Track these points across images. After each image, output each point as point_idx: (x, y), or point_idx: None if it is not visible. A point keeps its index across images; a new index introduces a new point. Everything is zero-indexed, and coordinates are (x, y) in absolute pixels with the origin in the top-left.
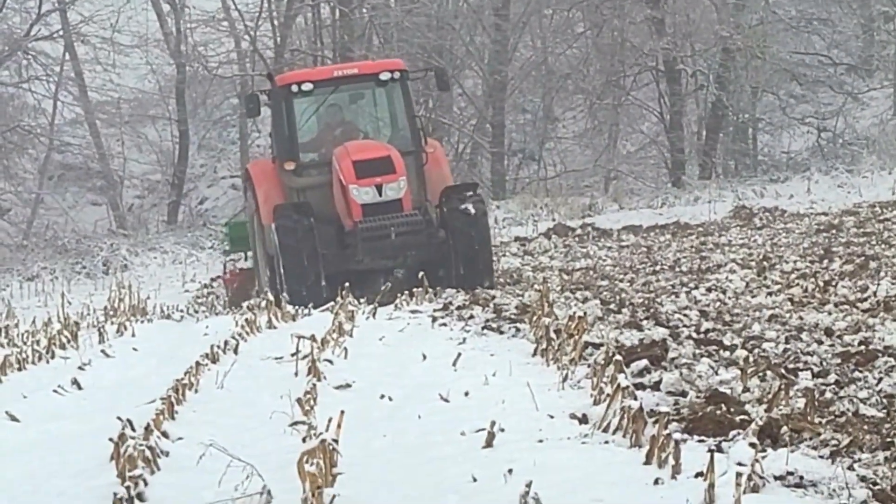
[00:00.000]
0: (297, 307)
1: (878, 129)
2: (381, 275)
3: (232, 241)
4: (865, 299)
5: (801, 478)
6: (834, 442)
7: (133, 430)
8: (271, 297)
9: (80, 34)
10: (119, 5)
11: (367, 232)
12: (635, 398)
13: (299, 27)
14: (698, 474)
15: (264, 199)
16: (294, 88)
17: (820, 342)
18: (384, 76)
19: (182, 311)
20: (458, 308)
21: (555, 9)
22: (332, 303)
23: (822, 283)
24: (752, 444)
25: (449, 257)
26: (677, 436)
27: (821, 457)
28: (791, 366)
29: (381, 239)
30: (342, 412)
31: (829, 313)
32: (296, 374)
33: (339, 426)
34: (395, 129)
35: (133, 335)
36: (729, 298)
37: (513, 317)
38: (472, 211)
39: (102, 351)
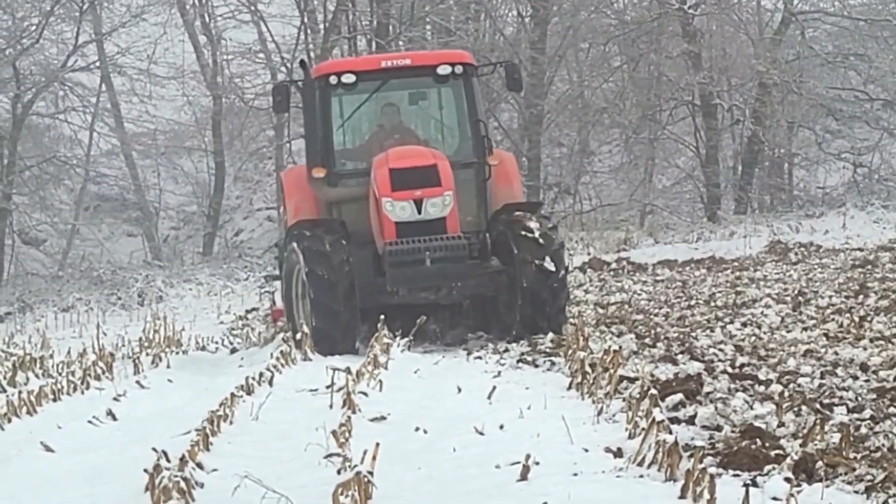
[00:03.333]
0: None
1: None
2: (417, 312)
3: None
4: None
5: None
6: (869, 477)
7: (168, 460)
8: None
9: (117, 65)
10: (156, 37)
11: (395, 255)
12: (670, 432)
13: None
14: None
15: (294, 212)
16: (332, 80)
17: (855, 377)
18: (443, 70)
19: (217, 342)
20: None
21: (591, 42)
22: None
23: (857, 319)
24: (788, 479)
25: (509, 292)
26: (713, 470)
27: (856, 492)
28: (826, 401)
29: (413, 265)
30: (377, 444)
31: (865, 349)
32: (331, 406)
33: (374, 458)
34: (464, 138)
35: (168, 366)
36: (764, 333)
37: (548, 350)
38: (537, 231)
39: (137, 382)
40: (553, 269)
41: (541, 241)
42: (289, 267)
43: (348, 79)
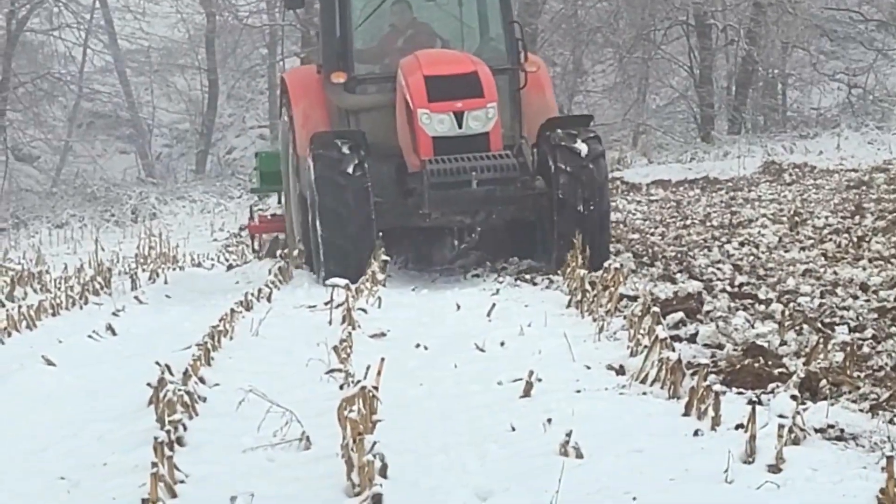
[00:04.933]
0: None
1: None
2: (452, 235)
3: (262, 177)
4: None
5: (842, 431)
6: (873, 396)
7: (171, 374)
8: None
9: None
10: None
11: (437, 176)
12: (673, 350)
13: None
14: (738, 426)
15: (303, 121)
16: None
17: (855, 297)
18: None
19: (213, 259)
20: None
21: None
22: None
23: (855, 239)
24: (794, 397)
25: (548, 216)
26: (717, 387)
27: (861, 410)
28: (827, 320)
29: (457, 187)
30: (382, 359)
31: (864, 268)
32: (330, 322)
33: (378, 373)
34: (484, 38)
35: (165, 282)
36: (762, 253)
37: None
38: (584, 151)
39: (136, 297)
40: (592, 179)
41: (578, 149)
42: (310, 189)
43: None
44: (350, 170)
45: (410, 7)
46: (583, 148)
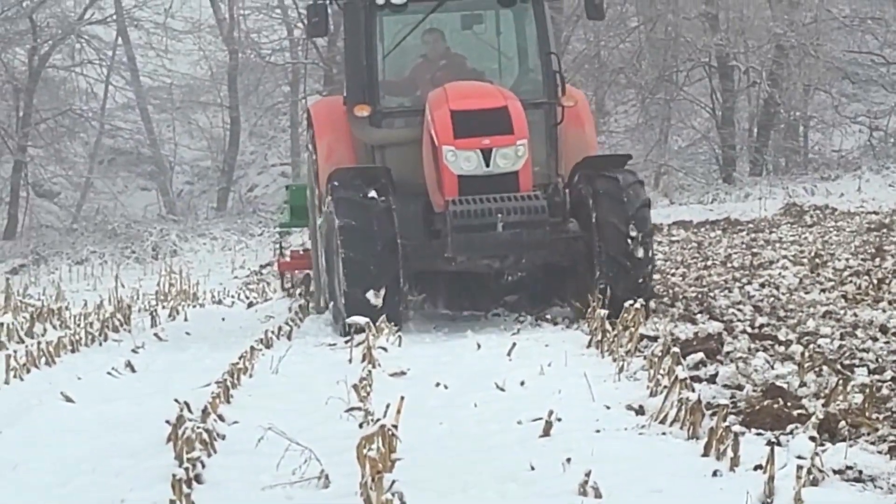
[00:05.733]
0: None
1: None
2: (482, 283)
3: (293, 212)
4: None
5: (861, 472)
6: (892, 437)
7: (190, 412)
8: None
9: (134, 19)
10: None
11: (461, 218)
12: (693, 390)
13: None
14: (757, 467)
15: (327, 155)
16: (379, 0)
17: (875, 339)
18: None
19: (233, 296)
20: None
21: (609, 2)
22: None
23: (875, 281)
24: (812, 438)
25: (582, 261)
26: (736, 428)
27: (879, 452)
28: (847, 362)
29: (482, 230)
30: (402, 398)
31: (884, 311)
32: (350, 360)
33: (398, 412)
34: (522, 69)
35: (185, 319)
36: (782, 294)
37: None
38: (632, 232)
39: (155, 335)
40: (636, 232)
41: (623, 198)
42: (328, 228)
43: None
44: (375, 219)
45: (444, 37)
46: (619, 184)
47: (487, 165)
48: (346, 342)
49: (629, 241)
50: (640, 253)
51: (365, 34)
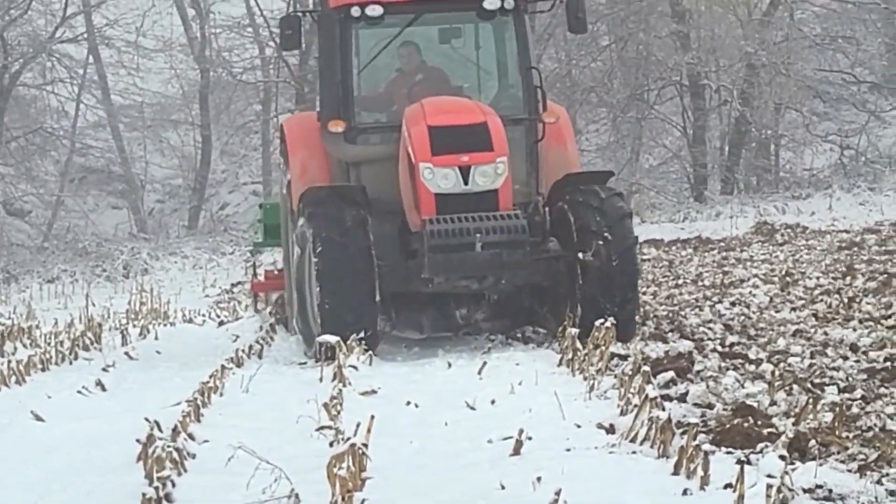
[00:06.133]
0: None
1: None
2: (459, 303)
3: (267, 231)
4: (890, 316)
5: (830, 491)
6: (862, 456)
7: (160, 431)
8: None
9: (105, 37)
10: (144, 9)
11: (438, 237)
12: (663, 409)
13: None
14: (727, 486)
15: (300, 172)
16: (355, 12)
17: (845, 358)
18: (491, 4)
19: (204, 315)
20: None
21: None
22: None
23: (845, 300)
24: (782, 457)
25: (563, 281)
26: (706, 447)
27: (849, 471)
28: (817, 380)
29: (460, 250)
30: (373, 417)
31: (854, 329)
32: (321, 379)
33: (368, 430)
34: (502, 85)
35: (156, 338)
36: (753, 313)
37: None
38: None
39: (126, 353)
40: (618, 244)
41: (603, 208)
42: (300, 247)
43: (374, 11)
44: (350, 231)
45: (420, 50)
46: (607, 208)
47: (466, 183)
48: (317, 361)
49: (612, 252)
50: (624, 265)
51: (340, 48)
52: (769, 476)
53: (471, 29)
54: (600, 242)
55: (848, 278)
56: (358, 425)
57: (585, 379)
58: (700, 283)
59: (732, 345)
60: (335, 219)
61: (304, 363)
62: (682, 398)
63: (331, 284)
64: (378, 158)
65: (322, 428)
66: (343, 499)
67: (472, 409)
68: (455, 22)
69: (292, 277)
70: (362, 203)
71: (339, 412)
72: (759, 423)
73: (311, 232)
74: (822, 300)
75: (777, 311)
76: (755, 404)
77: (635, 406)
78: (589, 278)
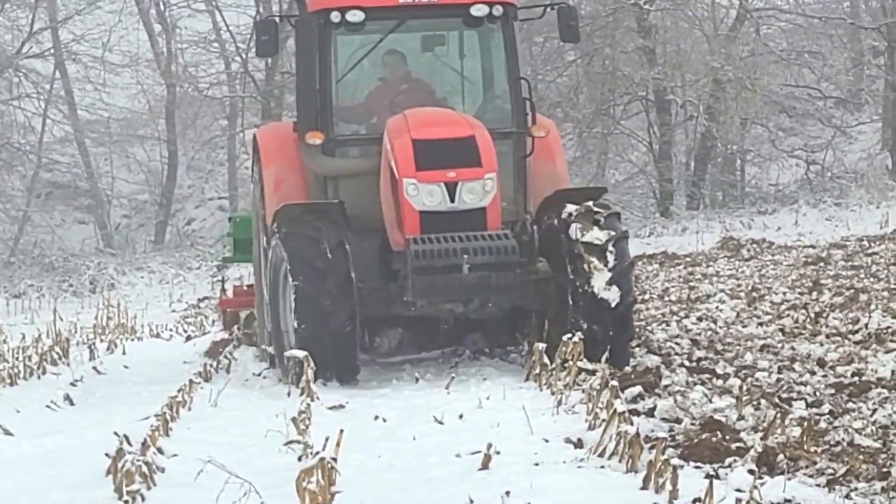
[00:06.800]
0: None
1: (867, 163)
2: (443, 327)
3: (237, 245)
4: (857, 331)
5: None
6: (830, 471)
7: (129, 445)
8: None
9: (72, 52)
10: (111, 25)
11: (422, 258)
12: (631, 423)
13: (291, 49)
14: (696, 500)
15: (274, 186)
16: (334, 18)
17: (813, 373)
18: (478, 10)
19: (171, 330)
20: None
21: (546, 37)
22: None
23: (812, 315)
24: (751, 471)
25: (553, 304)
26: (675, 461)
27: (818, 485)
28: (785, 395)
29: (446, 272)
30: (341, 431)
31: (821, 344)
32: (288, 393)
33: (337, 444)
34: (488, 96)
35: (124, 353)
36: (720, 328)
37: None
38: (602, 235)
39: (94, 368)
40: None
41: (606, 256)
42: (274, 271)
43: (355, 16)
44: (329, 255)
45: (405, 59)
46: (601, 235)
47: (452, 201)
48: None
49: (609, 276)
50: (621, 288)
51: (319, 55)
52: (738, 490)
53: (455, 37)
54: (594, 265)
55: (814, 293)
56: (327, 439)
57: (553, 394)
58: (666, 298)
59: (700, 360)
60: (313, 241)
61: (268, 378)
62: (650, 413)
63: (308, 312)
64: (358, 172)
65: (291, 442)
66: None
67: (441, 423)
68: (439, 29)
69: (264, 298)
70: (341, 221)
71: (307, 426)
72: (728, 437)
73: (288, 255)
74: (788, 315)
75: (744, 326)
76: (723, 419)
77: (603, 421)
78: (583, 303)
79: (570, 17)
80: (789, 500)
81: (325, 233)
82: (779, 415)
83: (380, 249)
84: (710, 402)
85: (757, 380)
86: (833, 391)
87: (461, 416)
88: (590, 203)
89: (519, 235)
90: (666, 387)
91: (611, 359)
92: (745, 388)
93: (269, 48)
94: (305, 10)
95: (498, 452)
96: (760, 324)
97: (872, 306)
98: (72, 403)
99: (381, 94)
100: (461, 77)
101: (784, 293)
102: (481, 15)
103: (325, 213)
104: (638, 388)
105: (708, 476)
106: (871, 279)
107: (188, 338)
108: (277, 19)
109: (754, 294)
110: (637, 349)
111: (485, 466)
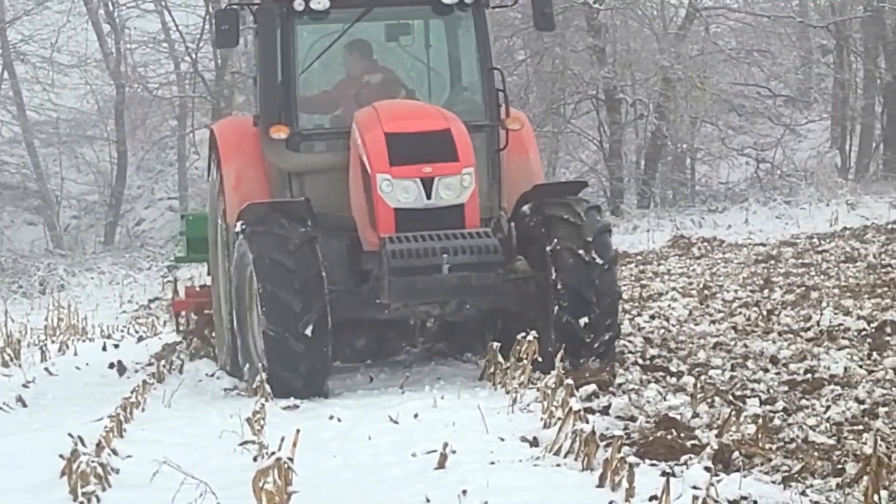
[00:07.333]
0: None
1: (816, 161)
2: (413, 328)
3: (190, 244)
4: (809, 328)
5: (755, 502)
6: (785, 468)
7: (84, 446)
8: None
9: (20, 53)
10: (59, 25)
11: (400, 258)
12: (587, 422)
13: (240, 49)
14: (652, 498)
15: (235, 183)
16: (298, 6)
17: (766, 370)
18: None
19: (122, 331)
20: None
21: (496, 35)
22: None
23: (764, 312)
24: (707, 469)
25: (534, 304)
26: (631, 459)
27: (773, 482)
28: (739, 393)
29: (425, 273)
30: (298, 431)
31: (774, 342)
32: (240, 393)
33: (294, 444)
34: (455, 88)
35: (75, 354)
36: (673, 326)
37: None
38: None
39: (46, 369)
40: (599, 259)
41: (580, 223)
42: (239, 273)
43: (319, 4)
44: (298, 251)
45: (371, 49)
46: (585, 224)
47: (429, 197)
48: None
49: (592, 270)
50: (605, 285)
51: (281, 45)
52: (694, 488)
53: (420, 26)
54: (579, 255)
55: (766, 291)
56: (283, 440)
57: (508, 392)
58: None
59: (653, 357)
60: (280, 237)
61: (228, 388)
62: (605, 411)
63: (277, 310)
64: (325, 168)
65: (246, 443)
66: None
67: (396, 422)
68: (406, 18)
69: (225, 305)
70: (308, 219)
71: (262, 426)
72: (683, 435)
73: (253, 255)
74: (740, 313)
75: (696, 324)
76: (678, 417)
77: (559, 419)
78: (566, 300)
79: (545, 5)
80: (745, 498)
81: (293, 230)
82: (733, 412)
83: (349, 249)
84: (665, 399)
85: (711, 377)
86: (787, 388)
87: (416, 416)
88: (572, 198)
89: (494, 233)
90: (620, 385)
91: (597, 354)
92: (699, 385)
93: (229, 38)
94: None
95: (454, 451)
96: (713, 321)
97: (824, 303)
98: (24, 405)
99: (345, 86)
100: (427, 67)
101: (735, 291)
102: (452, 2)
103: (292, 211)
104: (592, 387)
105: (664, 474)
106: (822, 276)
107: (140, 339)
108: (238, 8)
109: (706, 292)
110: None
111: (441, 465)
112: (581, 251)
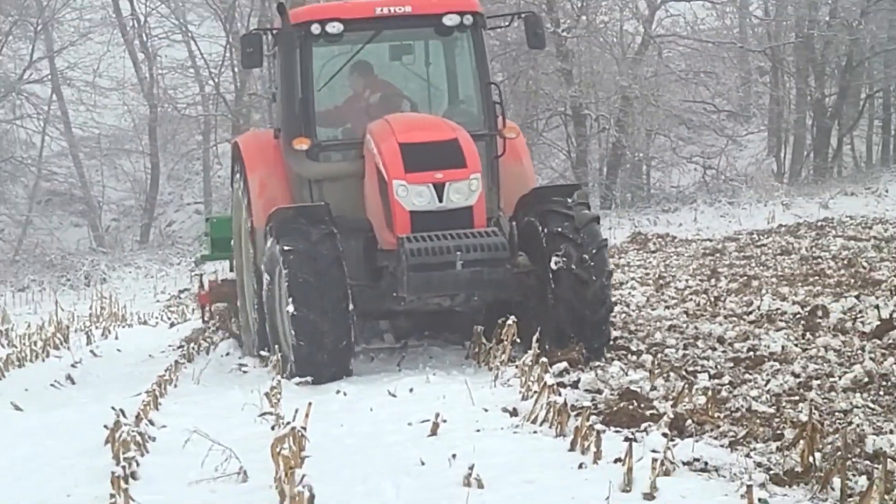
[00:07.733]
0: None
1: (755, 168)
2: (426, 318)
3: (214, 244)
4: (750, 312)
5: (706, 464)
6: (732, 433)
7: (125, 417)
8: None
9: (67, 78)
10: (100, 54)
11: (417, 256)
12: (559, 394)
13: (256, 74)
14: (617, 460)
15: (260, 190)
16: (315, 30)
17: (714, 349)
18: (450, 20)
19: (157, 318)
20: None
21: None
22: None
23: (712, 299)
24: (665, 434)
25: (533, 296)
26: (598, 427)
27: (721, 446)
28: (690, 368)
29: (440, 269)
30: (310, 404)
31: (720, 324)
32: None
33: (306, 415)
34: (453, 101)
35: (116, 338)
36: (632, 311)
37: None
38: (588, 276)
39: (91, 351)
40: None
41: (578, 239)
42: (269, 269)
43: (334, 28)
44: (321, 247)
45: (371, 68)
46: (575, 213)
47: (440, 200)
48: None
49: (584, 253)
50: (597, 264)
51: (301, 65)
52: (653, 451)
53: (421, 46)
54: (571, 241)
55: (713, 280)
56: (296, 411)
57: (491, 369)
58: None
59: (616, 338)
60: (304, 233)
61: (245, 365)
62: (575, 385)
63: (302, 293)
64: (340, 175)
65: (264, 414)
66: (286, 474)
67: (394, 396)
68: (411, 39)
69: (255, 300)
70: (329, 220)
71: (278, 400)
72: (643, 405)
73: (282, 249)
74: (691, 299)
75: (653, 309)
76: (638, 389)
77: (535, 392)
78: (562, 283)
79: (537, 26)
80: (697, 459)
81: (315, 228)
82: (686, 385)
83: (364, 248)
84: (627, 375)
85: (666, 355)
86: (732, 364)
87: (411, 390)
88: (566, 199)
89: (497, 229)
90: (588, 361)
91: (591, 334)
92: (656, 362)
93: (254, 60)
94: (288, 23)
95: (444, 421)
96: (667, 307)
97: (763, 291)
98: (73, 382)
99: (353, 102)
100: (427, 83)
101: (686, 280)
102: (453, 25)
103: (316, 214)
104: (564, 364)
105: (627, 439)
106: (761, 267)
107: (172, 324)
108: (262, 33)
109: (661, 281)
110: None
111: (433, 433)
112: (572, 236)
